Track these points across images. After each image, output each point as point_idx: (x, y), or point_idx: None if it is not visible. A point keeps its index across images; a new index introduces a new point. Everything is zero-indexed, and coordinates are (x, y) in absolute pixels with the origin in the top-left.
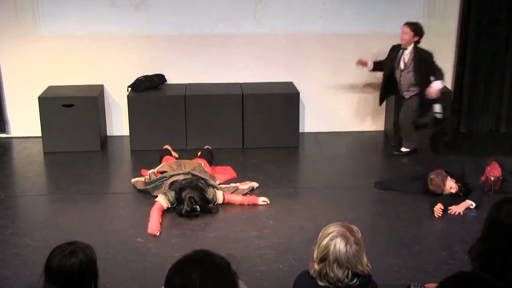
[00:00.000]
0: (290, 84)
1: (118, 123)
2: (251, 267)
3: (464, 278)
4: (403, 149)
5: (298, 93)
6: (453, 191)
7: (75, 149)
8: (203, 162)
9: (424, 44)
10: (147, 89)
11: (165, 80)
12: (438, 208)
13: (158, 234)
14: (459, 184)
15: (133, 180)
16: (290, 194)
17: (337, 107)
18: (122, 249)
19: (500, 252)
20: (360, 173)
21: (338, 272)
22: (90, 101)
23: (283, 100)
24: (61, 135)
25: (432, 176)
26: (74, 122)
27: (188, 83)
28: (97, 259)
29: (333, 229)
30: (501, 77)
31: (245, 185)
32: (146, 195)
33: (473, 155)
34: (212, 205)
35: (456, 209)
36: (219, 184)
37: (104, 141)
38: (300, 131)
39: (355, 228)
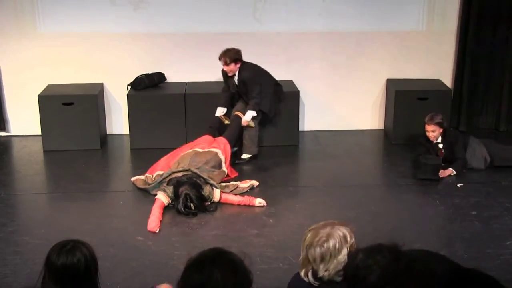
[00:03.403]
0: (290, 83)
1: (118, 121)
2: (251, 265)
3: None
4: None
5: (298, 91)
6: (434, 136)
7: (75, 147)
8: (220, 151)
9: (424, 43)
10: (147, 87)
11: (165, 79)
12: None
13: (157, 231)
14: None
15: (133, 178)
16: (290, 193)
17: (337, 105)
18: (122, 247)
19: None
20: (360, 171)
21: (329, 265)
22: (90, 99)
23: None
24: (61, 133)
25: (434, 113)
26: (74, 121)
27: (188, 82)
28: (97, 257)
29: (315, 226)
30: (501, 76)
31: (245, 184)
32: (146, 193)
33: None
34: (209, 203)
35: (443, 174)
36: (220, 183)
37: (104, 139)
38: (300, 129)
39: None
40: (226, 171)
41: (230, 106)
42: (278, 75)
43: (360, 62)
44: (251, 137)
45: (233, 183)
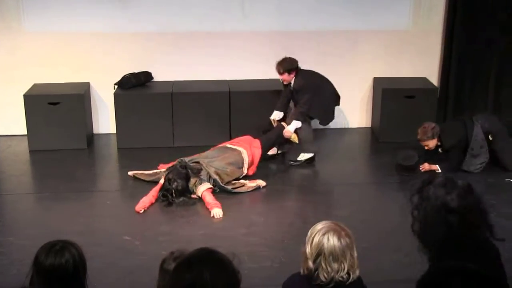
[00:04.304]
0: (278, 81)
1: (105, 121)
2: (239, 265)
3: (442, 274)
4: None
5: None
6: (430, 148)
7: (61, 147)
8: (246, 152)
9: (411, 42)
10: (133, 86)
11: (152, 78)
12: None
13: (141, 212)
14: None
15: (131, 172)
16: (279, 191)
17: None
18: (110, 247)
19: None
20: (348, 169)
21: (334, 265)
22: (76, 98)
23: (271, 97)
24: (47, 133)
25: (426, 124)
26: (60, 120)
27: (175, 81)
28: (85, 257)
29: (322, 225)
30: (487, 74)
31: (253, 183)
32: (133, 193)
33: None
34: (189, 195)
35: (427, 167)
36: (231, 181)
37: (91, 139)
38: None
39: (342, 224)
40: (245, 172)
41: (286, 111)
42: (267, 74)
43: (348, 61)
44: (304, 138)
45: (241, 181)
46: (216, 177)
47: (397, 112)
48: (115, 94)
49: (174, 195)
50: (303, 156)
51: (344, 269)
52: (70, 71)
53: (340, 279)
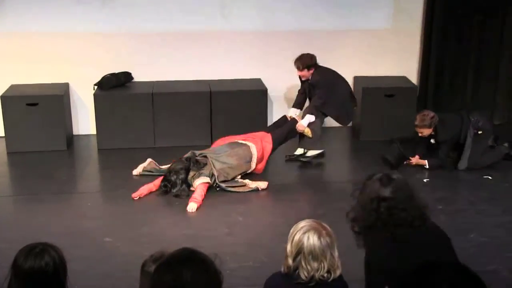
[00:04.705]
0: (258, 81)
1: (85, 121)
2: (221, 265)
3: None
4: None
5: (266, 89)
6: (423, 135)
7: (41, 148)
8: (255, 146)
9: (391, 41)
10: (114, 87)
11: (132, 78)
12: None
13: (136, 199)
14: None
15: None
16: (260, 191)
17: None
18: (91, 248)
19: None
20: (329, 168)
21: (313, 264)
22: (55, 99)
23: (252, 97)
24: (26, 134)
25: (426, 112)
26: (39, 121)
27: (155, 81)
28: (66, 260)
29: (304, 224)
30: (465, 73)
31: (253, 184)
32: (114, 194)
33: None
34: (187, 187)
35: (414, 160)
36: (237, 176)
37: (71, 140)
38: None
39: (324, 223)
40: (253, 167)
41: (302, 109)
42: (246, 74)
43: (328, 60)
44: (314, 137)
45: (244, 181)
46: (217, 174)
47: (377, 110)
48: (95, 95)
49: (172, 185)
50: (312, 152)
51: (324, 268)
52: (49, 72)
53: (321, 277)
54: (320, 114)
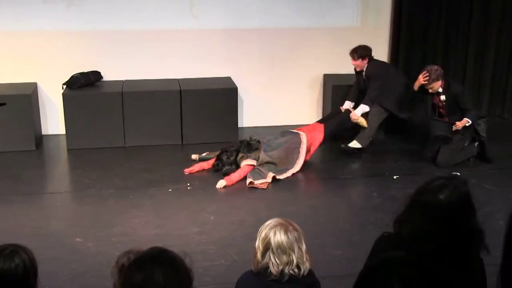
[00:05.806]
0: (228, 79)
1: (54, 121)
2: (192, 263)
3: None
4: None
5: (236, 88)
6: (434, 90)
7: (9, 149)
8: (305, 135)
9: (359, 39)
10: (82, 86)
11: (101, 77)
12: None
13: (187, 173)
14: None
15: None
16: (230, 189)
17: (275, 101)
18: (61, 249)
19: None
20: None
21: (282, 258)
22: (23, 99)
23: (222, 95)
24: None
25: (429, 67)
26: (7, 121)
27: (125, 80)
28: (36, 261)
29: (271, 221)
30: None
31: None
32: (84, 194)
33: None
34: (233, 166)
35: (460, 124)
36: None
37: (39, 140)
38: (239, 126)
39: (291, 221)
40: (302, 154)
41: (357, 101)
42: (216, 72)
43: (298, 58)
44: (367, 129)
45: (269, 173)
46: (263, 157)
47: None
48: (64, 94)
49: (223, 164)
50: (355, 144)
51: (293, 261)
52: (17, 71)
53: (292, 272)
54: (381, 110)
